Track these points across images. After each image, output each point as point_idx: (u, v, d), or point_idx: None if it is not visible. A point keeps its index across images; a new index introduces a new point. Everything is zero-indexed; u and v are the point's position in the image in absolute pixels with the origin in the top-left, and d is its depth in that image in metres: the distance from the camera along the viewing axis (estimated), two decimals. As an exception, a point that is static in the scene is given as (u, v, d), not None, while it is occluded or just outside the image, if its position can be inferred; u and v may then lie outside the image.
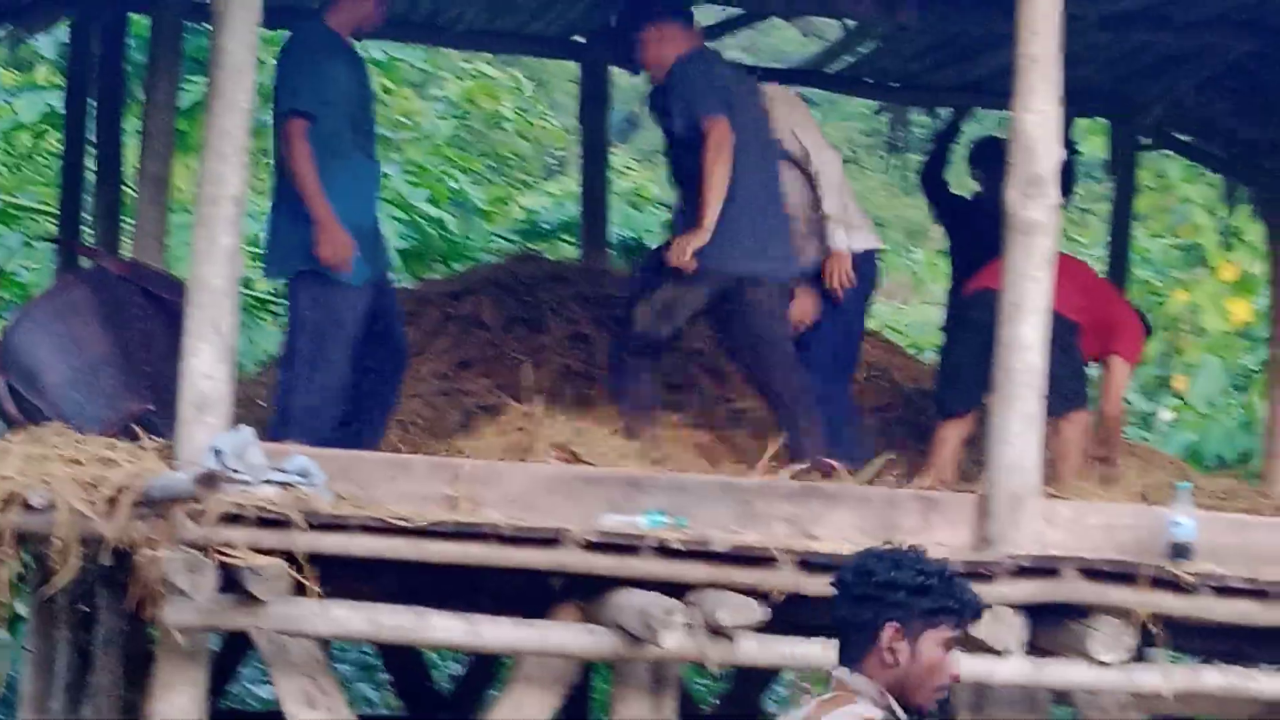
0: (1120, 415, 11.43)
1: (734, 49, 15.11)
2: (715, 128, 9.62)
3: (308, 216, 8.91)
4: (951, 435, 10.40)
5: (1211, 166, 15.04)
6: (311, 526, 7.58)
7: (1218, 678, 8.63)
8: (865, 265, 10.38)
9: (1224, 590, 8.43)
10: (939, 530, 8.73)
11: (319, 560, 7.63)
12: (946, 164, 12.15)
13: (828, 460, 9.63)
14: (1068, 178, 11.75)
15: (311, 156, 8.95)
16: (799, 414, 9.72)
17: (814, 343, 10.26)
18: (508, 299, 11.50)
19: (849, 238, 10.25)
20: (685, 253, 9.51)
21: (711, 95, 9.75)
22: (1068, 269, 9.11)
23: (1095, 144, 16.19)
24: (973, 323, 10.44)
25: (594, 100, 13.37)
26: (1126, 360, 10.97)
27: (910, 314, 23.37)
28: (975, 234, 11.03)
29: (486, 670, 13.45)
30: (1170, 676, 8.51)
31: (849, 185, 10.59)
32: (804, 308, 10.14)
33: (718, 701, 15.18)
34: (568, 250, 17.46)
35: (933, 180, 12.07)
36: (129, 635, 8.39)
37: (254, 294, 17.54)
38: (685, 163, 9.82)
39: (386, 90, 21.28)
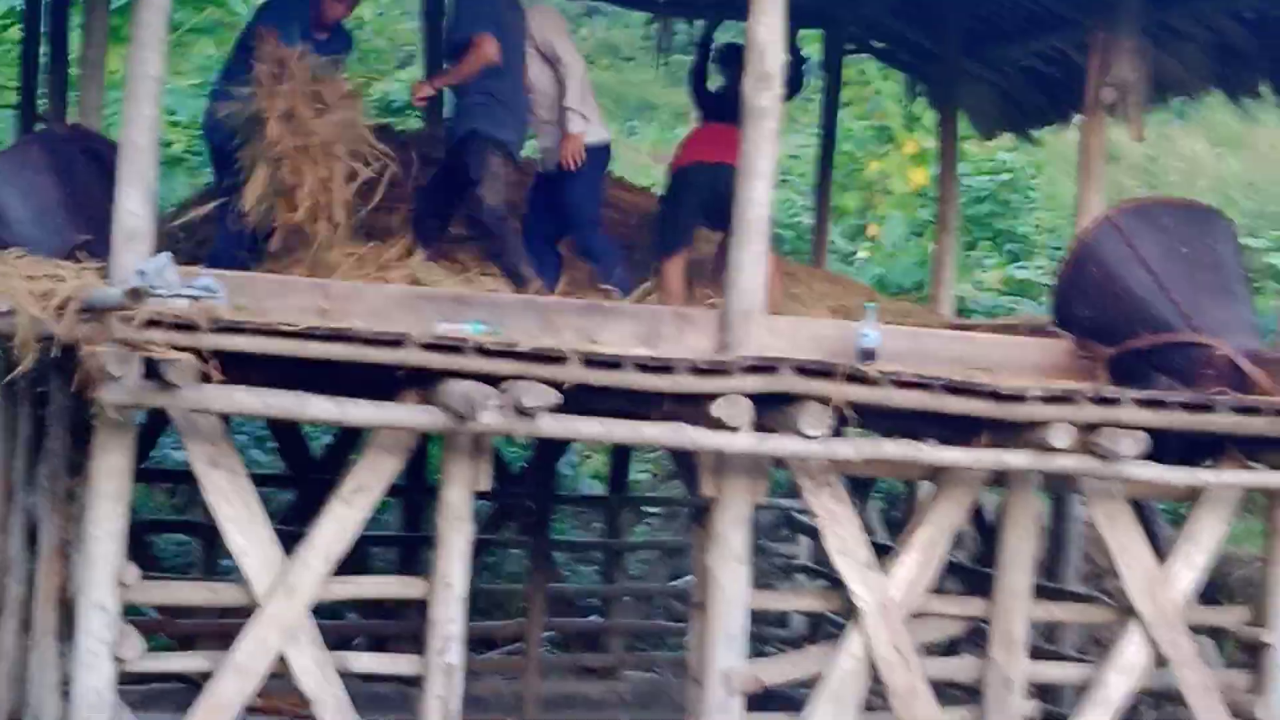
0: None
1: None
2: (483, 43, 9.66)
3: None
4: (676, 267, 10.58)
5: (899, 68, 15.16)
6: (215, 330, 7.52)
7: (894, 448, 8.76)
8: (601, 153, 10.44)
9: (900, 384, 8.56)
10: (689, 338, 8.82)
11: (222, 356, 7.58)
12: (706, 66, 12.17)
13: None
14: (797, 79, 11.85)
15: None
16: (511, 245, 9.81)
17: (566, 207, 10.35)
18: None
19: (589, 131, 10.29)
20: (422, 90, 10.08)
21: (485, 15, 9.75)
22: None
23: (812, 49, 16.25)
24: (689, 185, 10.63)
25: (434, 5, 13.23)
26: None
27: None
28: (718, 119, 11.07)
29: (350, 441, 13.45)
30: (858, 447, 8.65)
31: (590, 87, 10.57)
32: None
33: (523, 465, 15.31)
34: (413, 124, 17.30)
35: (697, 80, 12.10)
36: (75, 410, 8.29)
37: (170, 152, 17.28)
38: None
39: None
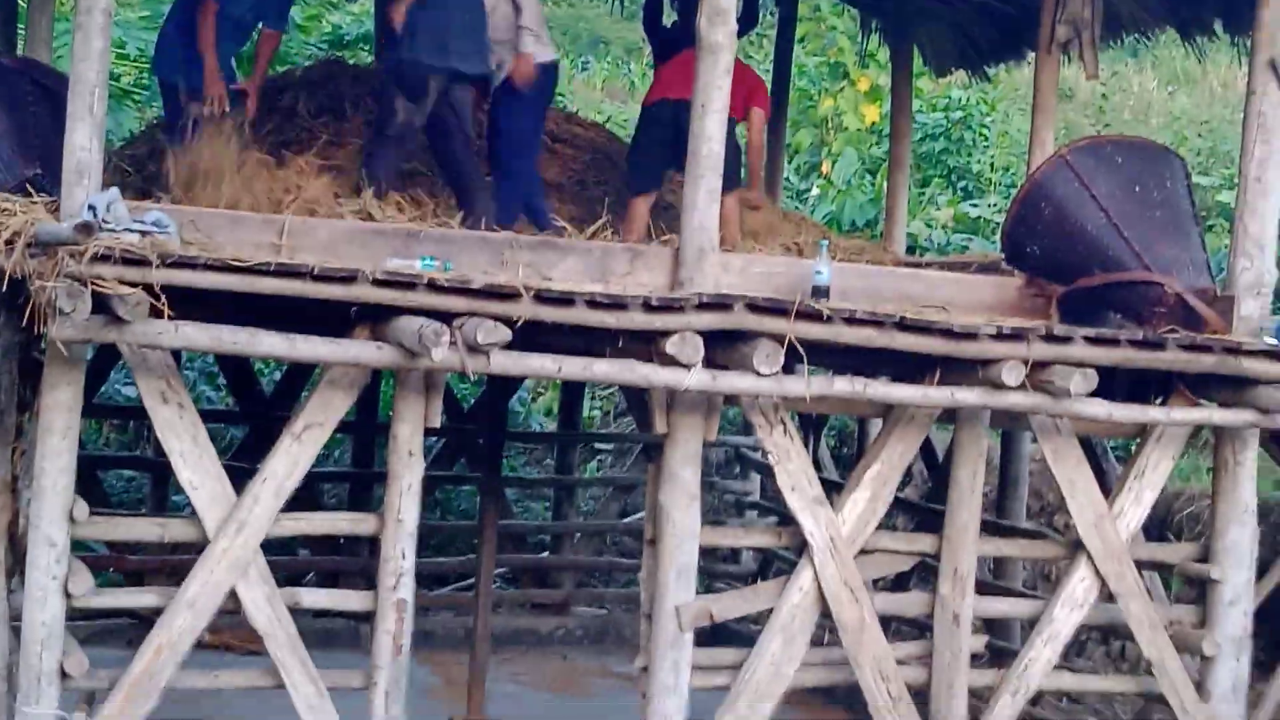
0: (762, 150, 11.64)
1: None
2: None
3: None
4: (642, 206, 10.57)
5: (853, 4, 15.14)
6: (165, 264, 7.50)
7: (845, 385, 8.79)
8: (547, 74, 10.38)
9: (851, 321, 8.59)
10: (642, 274, 8.83)
11: (173, 291, 7.55)
12: (660, 2, 12.14)
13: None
14: (751, 14, 11.83)
15: None
16: (476, 189, 9.74)
17: (504, 130, 10.29)
18: (318, 94, 11.35)
19: (536, 50, 10.23)
20: (399, 13, 9.63)
21: None
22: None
23: (767, -15, 16.22)
24: (655, 122, 10.60)
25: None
26: (763, 110, 11.13)
27: (628, 112, 23.37)
28: (672, 54, 11.05)
29: (301, 377, 13.44)
30: (810, 384, 8.67)
31: (541, 10, 10.52)
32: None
33: (474, 401, 15.33)
34: (364, 57, 17.22)
35: (651, 16, 12.09)
36: (24, 346, 8.26)
37: (119, 86, 17.14)
38: None
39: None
